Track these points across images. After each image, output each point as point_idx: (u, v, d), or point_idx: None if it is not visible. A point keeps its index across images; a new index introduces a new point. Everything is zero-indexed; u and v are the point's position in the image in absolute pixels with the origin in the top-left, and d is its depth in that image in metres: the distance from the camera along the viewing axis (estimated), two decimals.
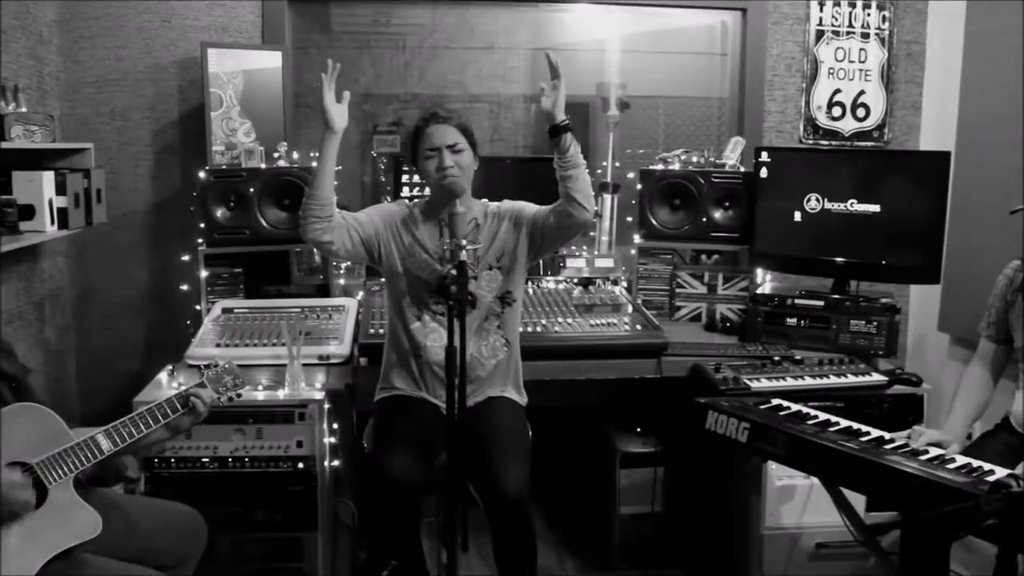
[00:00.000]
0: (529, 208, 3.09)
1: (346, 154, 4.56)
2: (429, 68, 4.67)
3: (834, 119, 4.33)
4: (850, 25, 4.31)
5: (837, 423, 2.74)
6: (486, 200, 3.16)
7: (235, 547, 3.09)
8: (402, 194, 3.94)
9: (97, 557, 2.29)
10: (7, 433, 2.20)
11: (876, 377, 3.27)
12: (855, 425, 2.73)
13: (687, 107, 4.74)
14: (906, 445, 2.58)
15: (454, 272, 2.51)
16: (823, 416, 2.80)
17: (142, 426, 2.43)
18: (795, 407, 2.90)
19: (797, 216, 3.70)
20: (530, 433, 3.02)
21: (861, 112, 4.35)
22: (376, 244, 3.01)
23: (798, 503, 3.21)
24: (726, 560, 3.45)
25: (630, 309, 3.69)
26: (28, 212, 3.23)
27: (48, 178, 3.29)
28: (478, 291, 2.93)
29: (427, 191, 3.64)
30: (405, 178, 3.95)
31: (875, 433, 2.66)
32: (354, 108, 4.61)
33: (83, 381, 4.10)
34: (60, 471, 2.24)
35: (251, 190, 3.67)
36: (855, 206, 3.60)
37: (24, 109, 3.29)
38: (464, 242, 2.59)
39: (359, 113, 4.64)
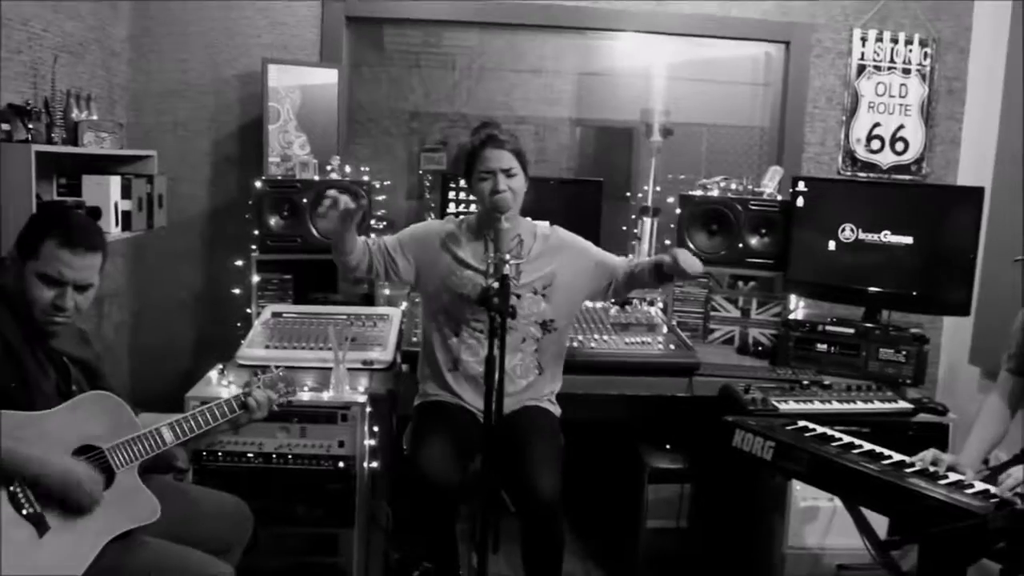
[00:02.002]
0: (610, 261, 3.24)
1: (394, 171, 4.74)
2: (477, 89, 4.82)
3: (873, 152, 4.41)
4: (891, 60, 4.39)
5: (860, 446, 2.81)
6: (536, 221, 3.26)
7: (275, 540, 3.20)
8: (448, 210, 4.06)
9: (154, 539, 2.42)
10: (84, 418, 2.36)
11: (902, 405, 3.32)
12: (878, 448, 2.79)
13: (729, 135, 4.85)
14: (927, 470, 2.63)
15: (496, 285, 2.63)
16: (847, 439, 2.87)
17: (201, 422, 2.57)
18: (820, 429, 2.97)
19: (831, 245, 3.77)
20: (563, 441, 3.11)
21: (900, 146, 4.42)
22: (411, 269, 3.15)
23: (821, 524, 3.27)
24: None
25: (664, 329, 3.79)
26: (96, 213, 3.40)
27: (115, 182, 3.47)
28: (519, 309, 2.98)
29: (472, 207, 3.78)
30: (452, 195, 4.08)
31: (897, 456, 2.72)
32: (402, 126, 4.82)
33: (136, 376, 4.27)
34: (127, 457, 2.38)
35: (304, 200, 3.83)
36: (888, 237, 3.67)
37: (95, 117, 3.48)
38: (508, 256, 2.70)
39: (406, 131, 4.80)
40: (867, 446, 2.82)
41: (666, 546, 3.64)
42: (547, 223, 3.29)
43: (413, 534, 3.49)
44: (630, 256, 3.39)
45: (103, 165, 3.54)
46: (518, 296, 2.72)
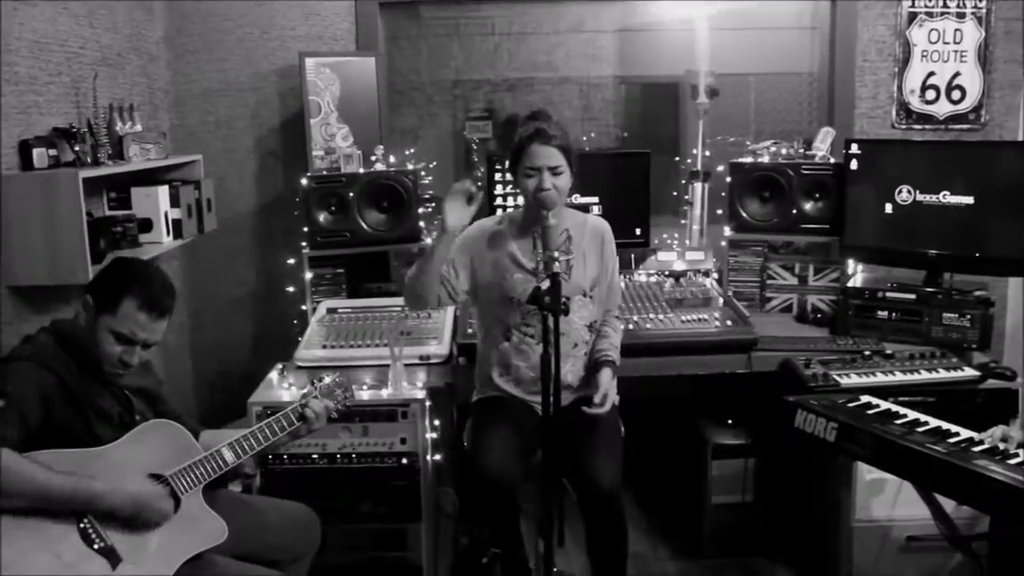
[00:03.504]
0: (614, 282, 3.22)
1: (440, 141, 4.71)
2: (519, 51, 4.75)
3: (928, 103, 4.26)
4: (944, 5, 4.22)
5: (926, 423, 2.77)
6: (582, 213, 3.22)
7: (344, 538, 3.26)
8: (496, 192, 4.03)
9: (224, 559, 2.48)
10: (146, 448, 2.42)
11: (969, 372, 3.25)
12: (944, 425, 2.75)
13: (777, 84, 4.71)
14: (996, 448, 2.58)
15: (546, 284, 2.61)
16: (912, 415, 2.83)
17: (261, 439, 2.61)
18: (884, 405, 2.93)
19: (888, 208, 3.67)
20: (622, 429, 3.11)
21: (956, 95, 4.26)
22: (467, 277, 3.11)
23: (889, 496, 3.23)
24: (816, 551, 3.50)
25: (721, 303, 3.74)
26: (146, 225, 3.45)
27: (163, 192, 3.51)
28: (569, 318, 2.95)
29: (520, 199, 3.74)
30: (499, 176, 4.04)
31: (964, 434, 2.68)
32: (445, 94, 4.78)
33: (197, 376, 4.35)
34: (191, 482, 2.44)
35: (351, 194, 3.83)
36: (947, 198, 3.56)
37: (139, 127, 3.50)
38: (556, 254, 2.67)
39: (449, 98, 4.76)
40: (933, 423, 2.78)
41: (731, 521, 3.64)
42: (596, 215, 3.23)
43: (480, 519, 3.55)
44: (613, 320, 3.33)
45: (150, 174, 3.57)
46: (568, 298, 2.69)
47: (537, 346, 2.91)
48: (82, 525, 2.23)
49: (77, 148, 3.12)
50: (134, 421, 2.49)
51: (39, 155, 3.00)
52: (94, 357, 2.42)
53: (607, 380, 2.98)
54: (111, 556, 2.24)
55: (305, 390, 2.83)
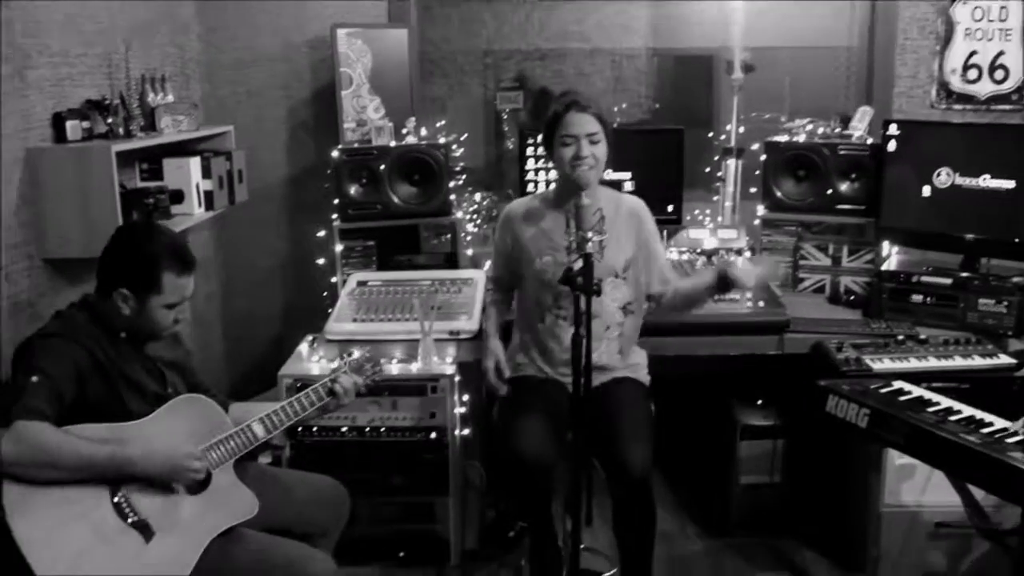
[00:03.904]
0: (659, 255, 3.17)
1: (471, 111, 4.68)
2: (550, 20, 4.70)
3: (969, 82, 4.17)
4: None
5: (959, 411, 2.73)
6: (616, 192, 3.18)
7: (372, 510, 3.31)
8: (527, 167, 4.00)
9: (255, 533, 2.50)
10: (177, 422, 2.44)
11: (1004, 359, 3.21)
12: (978, 414, 2.71)
13: (814, 58, 4.62)
14: None
15: (579, 264, 2.58)
16: (945, 403, 2.79)
17: (291, 413, 2.62)
18: (917, 392, 2.89)
19: (926, 191, 3.61)
20: (653, 411, 3.10)
21: (999, 74, 4.16)
22: (512, 258, 3.15)
23: (919, 481, 3.21)
24: (843, 534, 3.49)
25: None
26: (178, 197, 3.46)
27: (195, 163, 3.51)
28: (602, 300, 2.94)
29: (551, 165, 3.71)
30: (530, 151, 4.01)
31: (999, 424, 2.63)
32: (476, 63, 4.74)
33: (228, 345, 4.37)
34: (221, 456, 2.46)
35: (382, 167, 3.82)
36: (988, 182, 3.48)
37: (171, 98, 3.50)
38: (590, 234, 2.63)
39: (480, 67, 4.71)
40: (967, 411, 2.73)
41: (759, 502, 3.63)
42: (630, 194, 3.20)
43: (508, 494, 3.57)
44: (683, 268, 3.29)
45: (182, 145, 3.57)
46: (600, 281, 2.66)
47: (570, 328, 2.89)
48: (116, 500, 2.26)
49: (110, 120, 3.13)
50: (167, 394, 2.51)
51: (72, 127, 3.01)
52: (146, 333, 2.48)
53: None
54: (144, 530, 2.27)
55: (335, 365, 2.84)
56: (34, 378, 2.22)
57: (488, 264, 3.87)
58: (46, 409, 2.19)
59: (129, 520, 2.26)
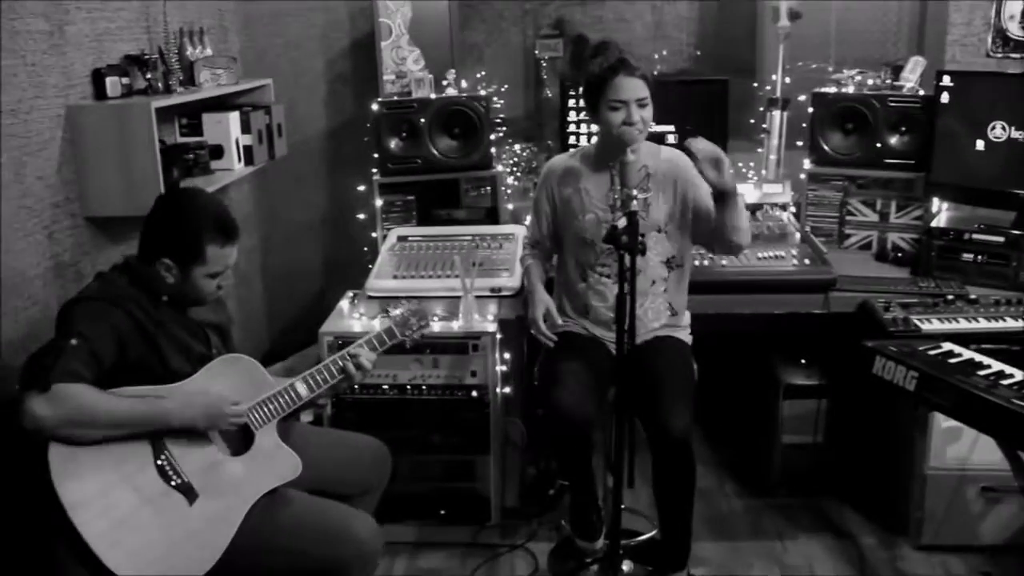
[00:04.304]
0: (705, 196, 2.96)
1: (510, 59, 4.60)
2: None
3: None
4: None
5: (1011, 375, 2.66)
6: (656, 145, 3.10)
7: (412, 468, 3.31)
8: (568, 118, 3.94)
9: (299, 493, 2.51)
10: (220, 382, 2.43)
11: None
12: None
13: (861, 5, 4.47)
14: None
15: (623, 222, 2.52)
16: (996, 366, 2.72)
17: (335, 371, 2.60)
18: (967, 354, 2.82)
19: (980, 145, 3.50)
20: (696, 371, 3.06)
21: None
22: (552, 217, 3.11)
23: (965, 444, 3.16)
24: (886, 496, 3.47)
25: (798, 238, 3.65)
26: (217, 152, 3.44)
27: (234, 118, 3.49)
28: (646, 256, 2.87)
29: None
30: (572, 103, 3.93)
31: None
32: (515, 8, 4.64)
33: (269, 299, 4.38)
34: (265, 415, 2.46)
35: (422, 120, 3.77)
36: None
37: (209, 51, 3.47)
38: (635, 191, 2.58)
39: (519, 12, 4.62)
40: (1019, 375, 2.65)
41: (801, 462, 3.59)
42: (670, 148, 3.12)
43: (549, 451, 3.57)
44: None
45: (221, 99, 3.54)
46: (644, 236, 2.61)
47: (614, 286, 2.86)
48: (159, 462, 2.27)
49: (149, 76, 3.11)
50: (211, 355, 2.51)
51: (112, 84, 3.00)
52: (190, 300, 2.49)
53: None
54: (188, 492, 2.28)
55: (376, 322, 2.81)
56: (73, 341, 2.22)
57: (528, 219, 3.84)
58: (83, 371, 2.20)
59: (173, 483, 2.27)
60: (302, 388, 2.55)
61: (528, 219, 3.39)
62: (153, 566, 2.18)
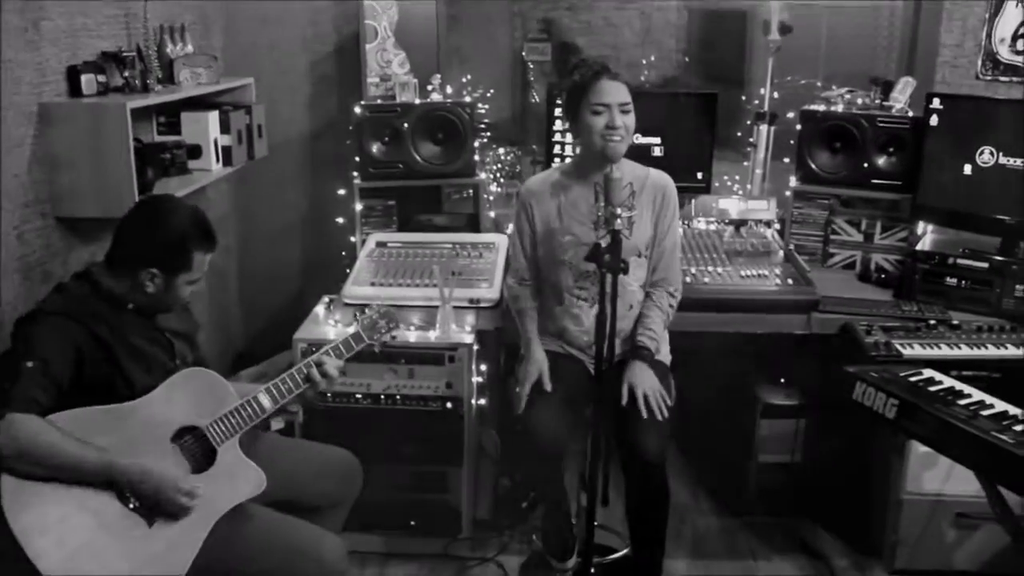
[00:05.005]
0: (671, 236, 3.01)
1: (499, 61, 4.54)
2: None
3: (1018, 52, 3.97)
4: None
5: (992, 405, 2.64)
6: (643, 167, 3.04)
7: (384, 477, 3.24)
8: (555, 127, 3.89)
9: (262, 509, 2.46)
10: (179, 399, 2.37)
11: None
12: (1012, 409, 2.61)
13: (852, 19, 4.43)
14: None
15: (607, 240, 2.47)
16: (977, 396, 2.69)
17: (299, 379, 2.54)
18: (948, 382, 2.79)
19: (967, 169, 3.47)
20: (673, 390, 3.01)
21: None
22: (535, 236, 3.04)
23: (942, 470, 3.14)
24: (861, 519, 3.44)
25: (781, 256, 3.62)
26: (196, 152, 3.37)
27: (213, 118, 3.42)
28: (625, 279, 2.83)
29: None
30: (558, 111, 3.89)
31: None
32: (502, 11, 4.59)
33: (244, 300, 4.32)
34: (227, 430, 2.39)
35: (405, 125, 3.71)
36: None
37: (190, 48, 3.41)
38: (619, 209, 2.51)
39: (507, 15, 4.57)
40: (1000, 406, 2.62)
41: (777, 481, 3.57)
42: (659, 170, 3.06)
43: (520, 465, 3.52)
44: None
45: (201, 98, 3.47)
46: (625, 262, 2.57)
47: (590, 309, 2.81)
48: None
49: (126, 73, 3.04)
50: (175, 366, 2.46)
51: (87, 81, 2.92)
52: (162, 307, 2.46)
53: (636, 376, 2.84)
54: (147, 514, 2.22)
55: (351, 329, 2.75)
56: (29, 363, 2.16)
57: (510, 227, 3.79)
58: (40, 397, 2.14)
59: (131, 505, 2.21)
60: (265, 400, 2.48)
61: (508, 251, 3.28)
62: None
